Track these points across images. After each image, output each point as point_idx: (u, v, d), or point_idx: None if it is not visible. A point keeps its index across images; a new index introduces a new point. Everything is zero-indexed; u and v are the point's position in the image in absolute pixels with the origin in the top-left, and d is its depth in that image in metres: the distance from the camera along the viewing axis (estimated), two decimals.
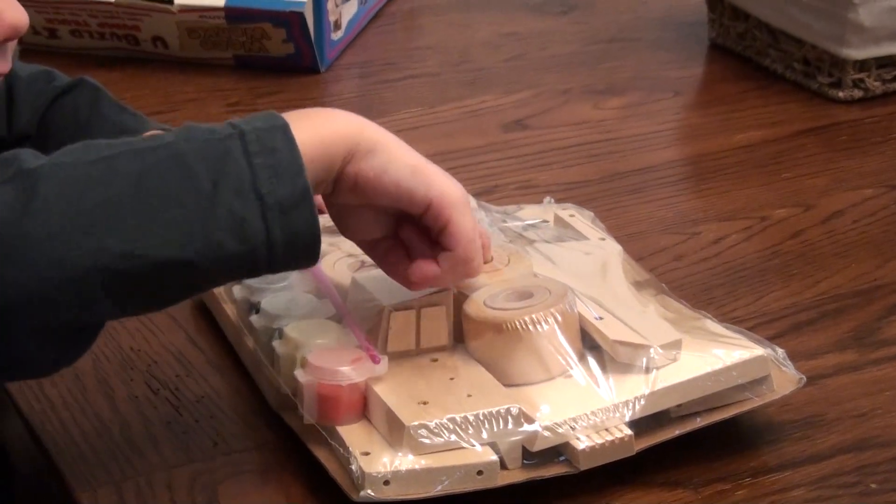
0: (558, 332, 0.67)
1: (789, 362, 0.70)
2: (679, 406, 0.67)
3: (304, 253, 0.61)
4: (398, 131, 1.06)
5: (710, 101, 1.18)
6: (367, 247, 0.69)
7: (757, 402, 0.68)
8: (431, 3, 1.41)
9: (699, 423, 0.67)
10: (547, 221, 0.84)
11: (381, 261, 0.68)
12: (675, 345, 0.67)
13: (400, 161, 0.66)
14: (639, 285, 0.77)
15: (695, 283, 0.87)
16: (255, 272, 0.61)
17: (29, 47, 1.23)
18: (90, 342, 0.62)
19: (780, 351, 0.71)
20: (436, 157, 1.00)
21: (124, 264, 0.57)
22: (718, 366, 0.67)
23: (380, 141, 0.66)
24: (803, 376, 0.69)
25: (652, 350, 0.66)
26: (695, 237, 0.93)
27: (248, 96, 1.21)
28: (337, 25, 1.22)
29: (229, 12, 1.17)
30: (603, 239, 0.82)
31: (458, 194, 0.67)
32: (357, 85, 1.25)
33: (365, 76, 1.24)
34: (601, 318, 0.69)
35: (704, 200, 0.99)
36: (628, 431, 0.64)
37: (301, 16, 1.15)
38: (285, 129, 0.60)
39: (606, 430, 0.64)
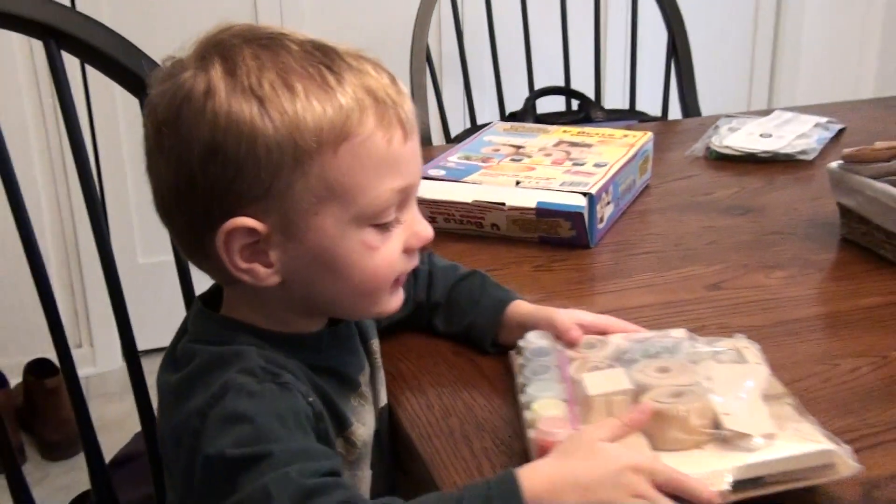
0: (695, 418, 0.84)
1: (852, 455, 0.82)
2: (770, 475, 0.82)
3: None
4: (637, 288, 1.23)
5: (842, 276, 1.30)
6: None
7: (822, 480, 0.82)
8: (659, 206, 1.56)
9: (780, 488, 0.82)
10: (731, 349, 0.97)
11: None
12: (771, 435, 0.83)
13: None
14: (770, 397, 0.89)
15: (836, 399, 0.99)
16: None
17: None
18: None
19: (847, 447, 0.83)
20: (659, 306, 1.17)
21: None
22: (799, 451, 0.82)
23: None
24: (862, 466, 0.81)
25: (755, 437, 0.82)
26: (835, 367, 1.06)
27: (546, 261, 1.36)
28: (601, 219, 1.41)
29: (538, 211, 1.37)
30: (759, 364, 0.94)
31: None
32: (611, 256, 1.38)
33: (617, 251, 1.39)
34: (728, 414, 0.84)
35: (842, 342, 1.12)
36: (728, 487, 0.80)
37: (581, 214, 1.35)
38: None
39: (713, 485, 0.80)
